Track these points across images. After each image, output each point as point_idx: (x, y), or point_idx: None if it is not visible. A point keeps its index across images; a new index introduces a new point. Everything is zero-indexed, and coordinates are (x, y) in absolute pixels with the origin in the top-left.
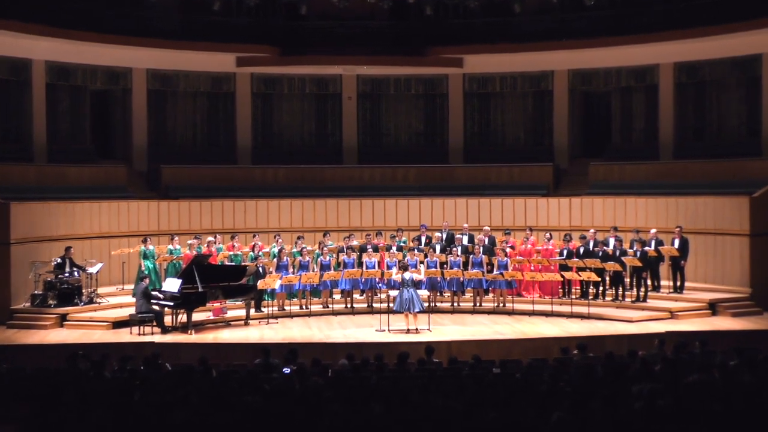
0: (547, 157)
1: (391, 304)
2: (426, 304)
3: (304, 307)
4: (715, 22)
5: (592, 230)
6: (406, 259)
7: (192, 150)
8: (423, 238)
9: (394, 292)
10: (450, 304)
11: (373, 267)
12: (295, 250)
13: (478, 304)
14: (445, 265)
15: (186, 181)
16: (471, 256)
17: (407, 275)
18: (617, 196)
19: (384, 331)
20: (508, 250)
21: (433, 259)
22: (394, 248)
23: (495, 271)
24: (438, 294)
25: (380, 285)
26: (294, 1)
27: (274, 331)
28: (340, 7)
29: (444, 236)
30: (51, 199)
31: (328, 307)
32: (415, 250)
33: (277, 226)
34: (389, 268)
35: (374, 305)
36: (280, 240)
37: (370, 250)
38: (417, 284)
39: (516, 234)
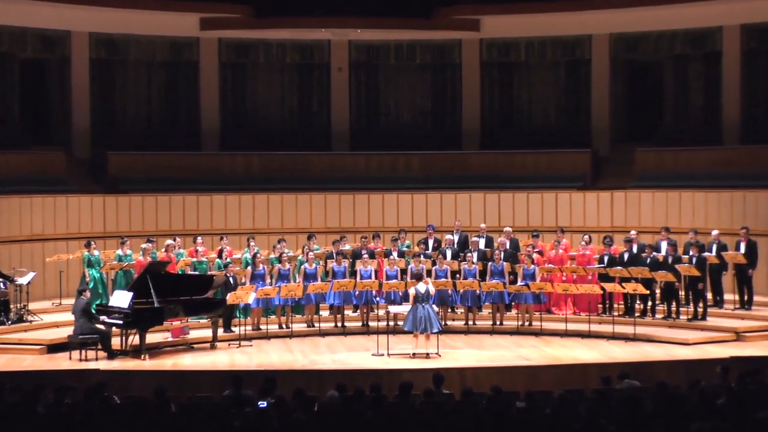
0: (584, 142)
1: (391, 322)
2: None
3: (284, 326)
4: None
5: (635, 232)
6: (420, 267)
7: (146, 133)
8: (430, 242)
9: (395, 309)
10: (464, 322)
11: (369, 277)
12: (273, 256)
13: (498, 323)
14: (457, 275)
15: (138, 171)
16: (489, 263)
17: (422, 287)
18: (670, 189)
19: (382, 355)
20: (535, 256)
21: (443, 267)
22: (394, 254)
23: (519, 282)
24: (449, 310)
25: (378, 299)
26: None
27: (247, 356)
28: None
29: (456, 239)
30: None
31: (313, 326)
32: (421, 257)
33: (250, 226)
34: (389, 278)
35: (370, 324)
36: (254, 244)
37: (366, 256)
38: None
39: (545, 237)
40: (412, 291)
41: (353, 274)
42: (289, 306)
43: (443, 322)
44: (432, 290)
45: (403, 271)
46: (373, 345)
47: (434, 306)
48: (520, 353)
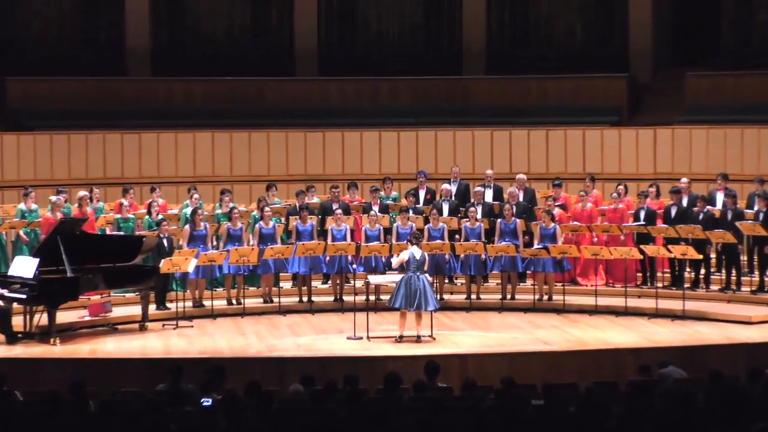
0: (620, 65)
1: (372, 297)
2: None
3: (233, 301)
4: None
5: (686, 180)
6: (409, 226)
7: (54, 53)
8: (422, 193)
9: (376, 279)
10: (465, 296)
11: (344, 239)
12: (219, 211)
13: (509, 297)
14: (456, 236)
15: (45, 102)
16: (498, 221)
17: (418, 252)
18: (729, 125)
19: (360, 339)
20: (556, 211)
21: (438, 226)
22: (375, 209)
23: (536, 245)
24: (446, 281)
25: (354, 267)
26: None
27: (186, 340)
28: None
29: (455, 190)
30: None
31: (271, 301)
32: (410, 212)
33: (190, 173)
34: (369, 240)
35: (345, 298)
36: (196, 196)
37: (339, 212)
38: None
39: (569, 186)
40: (405, 255)
41: (323, 234)
42: (241, 276)
43: (440, 296)
44: (426, 257)
45: (387, 231)
46: (348, 326)
47: (428, 276)
48: (537, 336)
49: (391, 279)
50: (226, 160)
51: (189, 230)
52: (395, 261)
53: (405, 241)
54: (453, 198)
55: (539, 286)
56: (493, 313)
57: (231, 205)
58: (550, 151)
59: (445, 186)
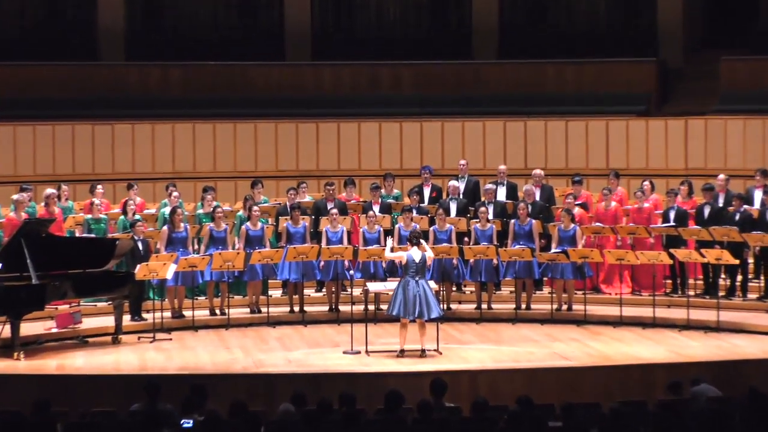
0: (648, 48)
1: (371, 306)
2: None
3: (217, 311)
4: None
5: (723, 176)
6: (413, 227)
7: (19, 35)
8: (426, 191)
9: (376, 287)
10: (475, 306)
11: (340, 242)
12: (201, 211)
13: (524, 307)
14: (465, 239)
15: (6, 89)
16: (512, 221)
17: (417, 254)
18: None
19: (358, 353)
20: (576, 211)
21: (445, 227)
22: (375, 209)
23: (554, 249)
24: (453, 289)
25: (352, 273)
26: None
27: (165, 355)
28: None
29: (464, 187)
30: None
31: (259, 311)
32: (413, 212)
33: (169, 169)
34: (368, 243)
35: (341, 308)
36: (175, 194)
37: (335, 212)
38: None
39: (591, 183)
40: (402, 255)
41: (316, 237)
42: (225, 283)
43: (445, 306)
44: (430, 257)
45: (388, 233)
46: (345, 339)
47: (432, 282)
48: (556, 350)
49: (392, 286)
50: (209, 155)
51: (167, 232)
52: (388, 252)
53: (409, 242)
54: (461, 196)
55: (557, 294)
56: (506, 325)
57: (214, 204)
58: (569, 144)
59: (453, 183)
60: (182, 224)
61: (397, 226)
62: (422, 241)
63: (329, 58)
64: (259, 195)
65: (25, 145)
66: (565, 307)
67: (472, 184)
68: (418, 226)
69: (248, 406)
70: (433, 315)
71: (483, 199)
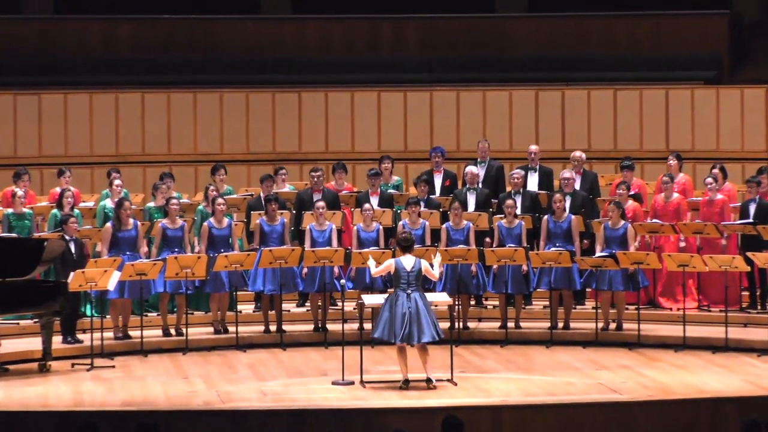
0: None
1: (367, 325)
2: (444, 326)
3: (172, 331)
4: None
5: None
6: (422, 224)
7: None
8: (438, 179)
9: (373, 299)
10: (499, 324)
11: (328, 243)
12: (152, 204)
13: (561, 326)
14: (487, 239)
15: None
16: (546, 217)
17: (408, 261)
18: None
19: (351, 384)
20: (629, 204)
21: (462, 225)
22: (374, 201)
23: (599, 252)
24: (471, 302)
25: (343, 283)
26: None
27: (105, 387)
28: None
29: (484, 173)
30: None
31: (225, 331)
32: (421, 205)
33: (111, 150)
34: (363, 244)
35: (329, 327)
36: (118, 182)
37: (321, 205)
38: (424, 282)
39: (646, 169)
40: (390, 263)
41: (298, 237)
42: (183, 295)
43: (462, 324)
44: (426, 267)
45: (390, 232)
46: (334, 366)
47: (444, 295)
48: (601, 380)
49: None
50: (162, 132)
51: (110, 231)
52: (374, 268)
53: (397, 246)
54: (481, 185)
55: (603, 309)
56: (538, 349)
57: (174, 194)
58: (619, 119)
59: (471, 168)
60: (130, 221)
61: (400, 223)
62: (432, 261)
63: (315, 10)
64: (223, 183)
65: None
66: (613, 325)
67: (495, 169)
68: (427, 224)
69: None
70: (425, 339)
71: (509, 188)
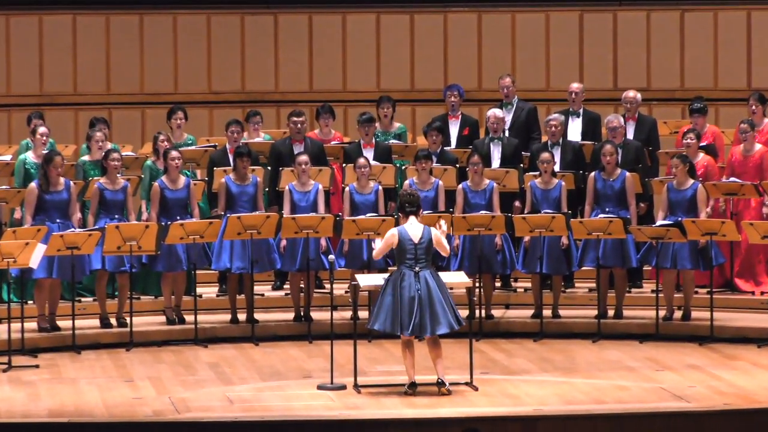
0: None
1: (363, 313)
2: (462, 315)
3: (113, 320)
4: None
5: None
6: (434, 184)
7: None
8: (454, 126)
9: (369, 279)
10: (532, 313)
11: (313, 208)
12: (86, 158)
13: (611, 314)
14: (517, 203)
15: None
16: (593, 175)
17: (415, 228)
18: None
19: (342, 388)
20: (700, 159)
21: (483, 184)
22: (370, 154)
23: (660, 219)
24: (497, 283)
25: (332, 259)
26: None
27: (27, 392)
28: None
29: (511, 119)
30: None
31: (181, 320)
32: (433, 159)
33: (34, 89)
34: (358, 209)
35: (314, 316)
36: (42, 129)
37: (304, 159)
38: (435, 259)
39: (721, 113)
40: (392, 234)
41: (276, 200)
42: (126, 274)
43: (482, 312)
44: (437, 235)
45: (391, 194)
46: (320, 365)
47: (461, 274)
48: (663, 383)
49: None
50: (99, 66)
51: (36, 193)
52: (377, 247)
53: (400, 211)
54: (506, 136)
55: (666, 293)
56: (582, 343)
57: (108, 146)
58: (686, 49)
59: (495, 112)
60: (60, 180)
61: (406, 182)
62: (421, 212)
63: None
64: (181, 132)
65: None
66: (678, 314)
67: (525, 114)
68: (440, 183)
69: None
70: (441, 329)
71: (545, 138)
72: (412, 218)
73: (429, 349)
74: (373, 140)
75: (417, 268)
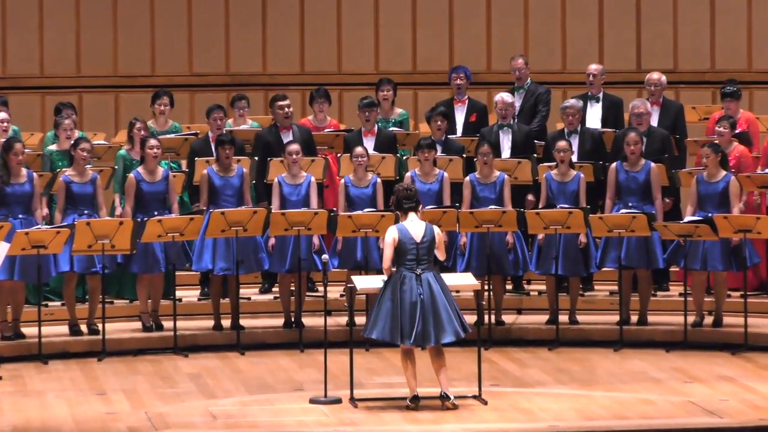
0: None
1: (360, 319)
2: (469, 321)
3: (83, 327)
4: None
5: None
6: (439, 176)
7: None
8: (460, 112)
9: (366, 282)
10: (547, 319)
11: (304, 202)
12: (52, 146)
13: (634, 320)
14: (529, 196)
15: None
16: (614, 166)
17: (417, 226)
18: None
19: (337, 402)
20: (733, 148)
21: (492, 176)
22: (369, 143)
23: (689, 215)
24: (505, 287)
25: (325, 259)
26: None
27: None
28: None
29: (520, 103)
30: None
31: (158, 327)
32: (437, 149)
33: None
34: (354, 204)
35: (306, 322)
36: (3, 115)
37: (295, 149)
38: (436, 258)
39: (756, 97)
40: (392, 233)
41: (265, 194)
42: (97, 276)
43: (491, 318)
44: (440, 235)
45: (392, 186)
46: (313, 376)
47: (468, 276)
48: (693, 397)
49: None
50: (68, 45)
51: None
52: (386, 257)
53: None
54: (516, 122)
55: (695, 297)
56: (602, 352)
57: (77, 134)
58: (717, 25)
59: (504, 97)
60: (22, 170)
61: (407, 174)
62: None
63: None
64: (165, 119)
65: None
66: (709, 320)
67: (538, 97)
68: (445, 175)
69: None
70: (446, 338)
71: (560, 126)
72: (412, 215)
73: (432, 359)
74: (375, 128)
75: (419, 270)
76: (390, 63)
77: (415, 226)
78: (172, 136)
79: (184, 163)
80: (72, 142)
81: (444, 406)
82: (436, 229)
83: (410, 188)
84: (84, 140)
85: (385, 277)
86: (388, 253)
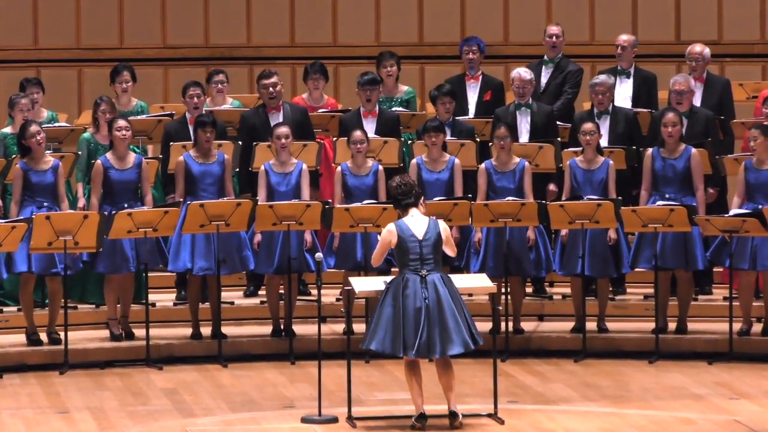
0: None
1: (359, 326)
2: (484, 329)
3: (42, 335)
4: None
5: None
6: (417, 162)
7: None
8: (473, 90)
9: (366, 284)
10: (572, 326)
11: (294, 192)
12: (8, 129)
13: (672, 328)
14: (552, 186)
15: None
16: (650, 151)
17: (419, 222)
18: None
19: (333, 421)
20: None
21: (510, 164)
22: (370, 124)
23: (735, 207)
24: (524, 290)
25: (320, 258)
26: None
27: None
28: None
29: (546, 80)
30: None
31: (129, 335)
32: (446, 132)
33: None
34: (353, 195)
35: (297, 330)
36: None
37: (283, 131)
38: (448, 258)
39: None
40: (390, 231)
41: (249, 185)
42: (58, 278)
43: (508, 324)
44: (446, 230)
45: (395, 175)
46: (305, 391)
47: (483, 277)
48: (740, 416)
49: None
50: (25, 15)
51: None
52: (375, 253)
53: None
54: (536, 104)
55: (742, 301)
56: (636, 364)
57: (46, 114)
58: None
59: (520, 73)
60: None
61: (413, 161)
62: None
63: None
64: (129, 98)
65: None
66: (757, 327)
67: (566, 75)
68: (456, 162)
69: None
70: (454, 350)
71: (587, 106)
72: (413, 210)
73: (439, 373)
74: (376, 108)
75: (424, 272)
76: (392, 34)
77: (416, 221)
78: (143, 117)
79: (151, 149)
80: (34, 127)
81: (452, 426)
82: (442, 224)
83: (405, 181)
84: (34, 123)
85: (387, 279)
86: (377, 248)
